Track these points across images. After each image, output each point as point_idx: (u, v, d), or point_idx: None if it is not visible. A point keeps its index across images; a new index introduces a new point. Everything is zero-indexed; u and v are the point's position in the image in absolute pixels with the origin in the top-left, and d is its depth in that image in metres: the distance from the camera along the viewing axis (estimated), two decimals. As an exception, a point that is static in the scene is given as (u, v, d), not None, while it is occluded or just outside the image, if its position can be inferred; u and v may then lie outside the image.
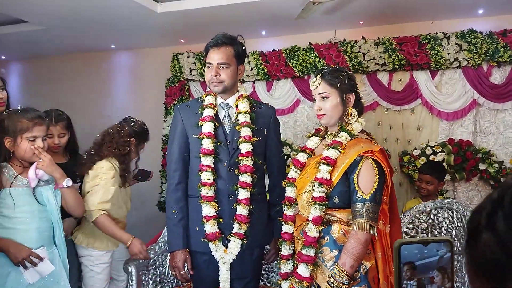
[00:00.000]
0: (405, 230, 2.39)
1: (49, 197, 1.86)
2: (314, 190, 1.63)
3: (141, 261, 2.24)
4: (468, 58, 3.32)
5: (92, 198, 2.17)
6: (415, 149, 3.54)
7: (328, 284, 1.55)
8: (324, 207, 1.61)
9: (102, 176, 2.21)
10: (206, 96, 1.97)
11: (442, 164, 3.31)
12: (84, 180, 2.26)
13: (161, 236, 2.50)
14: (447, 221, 2.35)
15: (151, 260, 2.35)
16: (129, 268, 2.19)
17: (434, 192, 3.00)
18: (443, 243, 0.67)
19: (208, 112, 1.90)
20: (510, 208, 0.55)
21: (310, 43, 3.80)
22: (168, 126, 4.38)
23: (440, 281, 0.67)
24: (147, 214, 4.67)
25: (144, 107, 4.76)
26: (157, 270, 2.40)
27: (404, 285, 0.65)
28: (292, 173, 1.83)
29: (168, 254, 1.96)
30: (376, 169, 1.59)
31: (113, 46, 4.79)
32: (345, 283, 1.52)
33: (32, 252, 1.77)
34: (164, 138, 4.44)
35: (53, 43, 4.55)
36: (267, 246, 2.09)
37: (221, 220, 1.86)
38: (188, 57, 4.29)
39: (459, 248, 2.25)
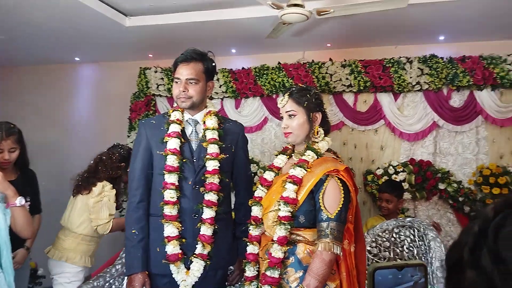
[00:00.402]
0: (368, 248, 2.41)
1: None
2: (280, 209, 1.61)
3: (96, 284, 2.12)
4: (429, 81, 3.46)
5: (103, 213, 2.47)
6: (378, 168, 3.62)
7: (293, 305, 1.51)
8: (289, 226, 1.59)
9: (106, 194, 2.51)
10: (172, 111, 1.92)
11: (400, 182, 3.39)
12: (87, 196, 2.50)
13: (118, 258, 2.39)
14: (408, 239, 2.39)
15: (107, 284, 2.23)
16: (84, 291, 2.06)
17: (395, 209, 3.06)
18: (417, 268, 0.65)
19: (174, 128, 1.85)
20: (495, 244, 0.52)
21: (279, 63, 3.85)
22: (132, 142, 4.26)
23: None
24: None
25: (108, 121, 4.62)
26: (115, 293, 2.28)
27: None
28: (259, 191, 1.81)
29: (126, 277, 1.87)
30: (342, 188, 1.59)
31: (77, 59, 4.65)
32: (310, 304, 1.49)
33: None
34: (128, 154, 4.31)
35: (11, 53, 4.37)
36: (231, 267, 2.03)
37: (184, 240, 1.80)
38: (155, 72, 4.22)
39: (421, 267, 2.29)
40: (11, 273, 1.77)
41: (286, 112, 1.72)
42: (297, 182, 1.62)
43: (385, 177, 3.52)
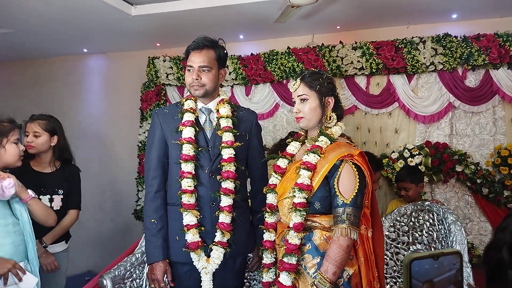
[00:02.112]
0: (387, 233, 2.39)
1: (21, 210, 1.78)
2: (294, 196, 1.59)
3: (116, 273, 2.14)
4: (444, 62, 3.38)
5: None
6: (393, 152, 3.57)
7: (311, 292, 1.51)
8: (305, 213, 1.58)
9: None
10: (185, 100, 1.90)
11: (416, 167, 3.31)
12: None
13: (138, 247, 2.40)
14: (427, 223, 2.36)
15: (128, 272, 2.25)
16: (104, 281, 2.08)
17: (416, 195, 2.96)
18: (453, 256, 0.63)
19: (188, 116, 1.83)
20: None
21: (288, 47, 3.79)
22: (144, 132, 4.26)
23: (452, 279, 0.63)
24: (123, 223, 4.53)
25: (119, 112, 4.63)
26: (134, 282, 2.30)
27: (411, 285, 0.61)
28: (273, 179, 1.80)
29: (146, 266, 1.88)
30: (357, 173, 1.57)
31: (85, 50, 4.64)
32: (328, 291, 1.48)
33: (16, 264, 1.69)
34: (140, 144, 4.33)
35: (21, 47, 4.37)
36: (250, 254, 2.03)
37: (202, 228, 1.80)
38: (164, 61, 4.20)
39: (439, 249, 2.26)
40: (36, 264, 1.82)
41: (298, 96, 1.70)
42: (311, 168, 1.61)
43: (401, 161, 3.47)
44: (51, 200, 2.37)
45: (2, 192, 1.68)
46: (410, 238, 2.33)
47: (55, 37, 4.01)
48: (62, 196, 2.42)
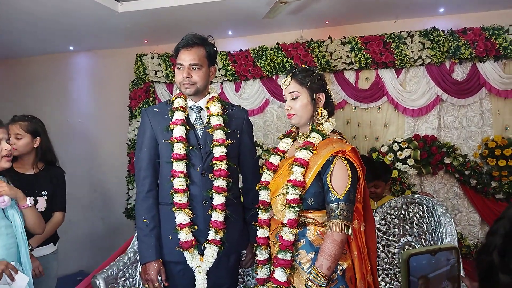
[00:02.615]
0: (378, 226, 2.41)
1: (13, 213, 1.77)
2: (288, 192, 1.60)
3: (109, 273, 2.13)
4: (431, 55, 3.41)
5: None
6: (383, 145, 3.60)
7: (306, 287, 1.52)
8: (298, 209, 1.59)
9: None
10: (175, 98, 1.89)
11: (384, 164, 3.33)
12: None
13: (130, 246, 2.38)
14: (418, 215, 2.39)
15: (120, 272, 2.24)
16: (97, 281, 2.07)
17: (382, 193, 2.96)
18: (450, 251, 0.64)
19: (179, 115, 1.82)
20: None
21: (277, 43, 3.78)
22: (134, 130, 4.23)
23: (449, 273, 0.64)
24: (113, 222, 4.50)
25: (108, 110, 4.58)
26: (127, 282, 2.29)
27: (409, 281, 0.62)
28: (266, 176, 1.81)
29: (139, 265, 1.87)
30: (349, 168, 1.58)
31: (71, 48, 4.57)
32: (323, 285, 1.50)
33: (9, 264, 1.68)
34: (129, 143, 4.29)
35: (5, 45, 4.29)
36: (244, 251, 2.04)
37: (195, 227, 1.79)
38: (152, 58, 4.16)
39: (431, 242, 2.30)
40: (29, 267, 1.80)
41: (289, 93, 1.70)
42: (304, 164, 1.61)
43: (390, 154, 3.50)
44: (35, 202, 2.33)
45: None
46: (401, 231, 2.36)
47: (41, 35, 3.94)
48: (46, 197, 2.37)
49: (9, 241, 1.75)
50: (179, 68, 1.82)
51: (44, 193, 2.38)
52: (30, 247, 2.28)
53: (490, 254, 0.55)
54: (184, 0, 3.21)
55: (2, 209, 1.76)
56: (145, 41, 4.25)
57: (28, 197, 1.82)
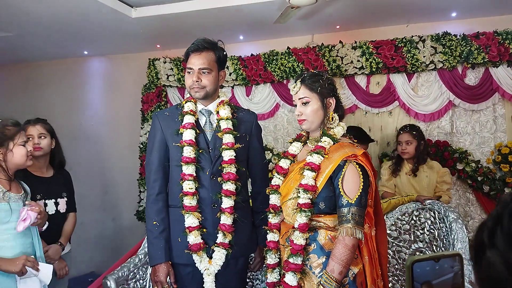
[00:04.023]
0: (388, 232, 2.40)
1: (30, 214, 1.80)
2: (299, 196, 1.60)
3: (120, 274, 2.15)
4: (443, 60, 3.39)
5: None
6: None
7: (317, 291, 1.52)
8: (310, 213, 1.58)
9: None
10: (185, 102, 1.91)
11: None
12: None
13: (141, 248, 2.41)
14: (429, 221, 2.37)
15: (131, 273, 2.26)
16: (108, 282, 2.09)
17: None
18: (453, 258, 0.65)
19: (189, 119, 1.84)
20: (509, 226, 0.57)
21: (288, 48, 3.80)
22: (146, 133, 4.27)
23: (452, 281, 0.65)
24: (125, 224, 4.54)
25: (120, 114, 4.64)
26: (138, 283, 2.31)
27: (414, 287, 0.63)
28: (276, 180, 1.80)
29: (149, 267, 1.89)
30: (360, 172, 1.57)
31: (86, 53, 4.65)
32: (334, 290, 1.49)
33: (28, 257, 1.75)
34: (141, 146, 4.34)
35: (21, 49, 4.38)
36: (252, 254, 2.04)
37: (204, 230, 1.80)
38: (164, 62, 4.21)
39: (442, 249, 2.27)
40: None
41: (299, 99, 1.69)
42: (315, 168, 1.61)
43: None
44: (56, 204, 2.40)
45: (22, 221, 1.74)
46: (412, 237, 2.34)
47: (55, 39, 4.02)
48: (66, 199, 2.44)
49: (26, 240, 1.81)
50: (189, 72, 1.84)
51: (64, 195, 2.44)
52: (62, 246, 2.35)
53: (481, 236, 0.58)
54: (196, 6, 3.25)
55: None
56: (158, 46, 4.31)
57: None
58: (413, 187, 2.97)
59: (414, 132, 3.01)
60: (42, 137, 2.36)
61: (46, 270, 1.79)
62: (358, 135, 2.87)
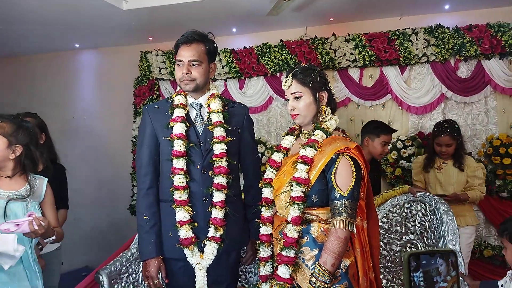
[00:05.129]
0: (380, 224, 2.41)
1: (17, 213, 1.73)
2: (292, 190, 1.60)
3: (113, 269, 2.15)
4: (436, 53, 3.39)
5: None
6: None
7: (310, 284, 1.53)
8: (303, 206, 1.59)
9: None
10: (176, 95, 1.89)
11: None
12: None
13: (133, 242, 2.41)
14: (420, 214, 2.39)
15: (124, 268, 2.26)
16: (100, 277, 2.09)
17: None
18: (448, 253, 0.67)
19: (179, 112, 1.82)
20: None
21: (281, 40, 3.78)
22: (138, 127, 4.25)
23: (446, 270, 0.68)
24: (118, 218, 4.53)
25: (112, 108, 4.61)
26: (130, 277, 2.31)
27: (411, 278, 0.66)
28: (268, 173, 1.81)
29: (141, 262, 1.88)
30: (353, 166, 1.58)
31: (77, 45, 4.59)
32: (327, 282, 1.50)
33: None
34: (134, 140, 4.32)
35: (11, 43, 4.32)
36: (244, 248, 2.04)
37: (195, 224, 1.80)
38: (157, 55, 4.18)
39: (433, 241, 2.29)
40: (36, 269, 1.79)
41: (292, 93, 1.69)
42: (308, 162, 1.61)
43: (394, 152, 3.49)
44: None
45: (16, 227, 1.60)
46: (403, 229, 2.36)
47: (46, 32, 3.97)
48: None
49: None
50: (179, 65, 1.83)
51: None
52: (40, 246, 2.30)
53: None
54: (188, -2, 3.22)
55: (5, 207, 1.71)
56: (150, 38, 4.27)
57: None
58: (439, 182, 2.91)
59: (455, 134, 2.87)
60: (35, 135, 2.31)
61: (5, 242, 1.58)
62: (382, 126, 2.88)
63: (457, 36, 3.33)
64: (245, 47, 3.91)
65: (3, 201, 1.71)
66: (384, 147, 2.81)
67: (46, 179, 1.88)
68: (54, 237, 1.77)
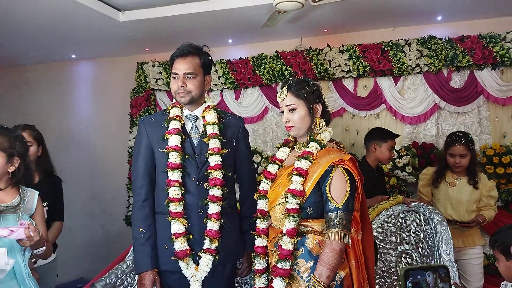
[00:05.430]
0: (375, 234, 2.42)
1: (9, 226, 1.67)
2: (287, 202, 1.61)
3: (108, 281, 2.13)
4: (429, 63, 3.44)
5: None
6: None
7: (305, 295, 1.53)
8: (298, 218, 1.60)
9: None
10: (171, 108, 1.91)
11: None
12: None
13: (129, 254, 2.39)
14: (414, 224, 2.40)
15: (119, 280, 2.25)
16: (96, 289, 2.07)
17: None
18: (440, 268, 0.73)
19: (174, 124, 1.84)
20: None
21: (276, 51, 3.82)
22: (135, 138, 4.25)
23: (433, 281, 0.74)
24: (114, 229, 4.51)
25: (109, 118, 4.61)
26: (126, 290, 2.30)
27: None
28: (264, 185, 1.81)
29: (136, 275, 1.88)
30: (347, 177, 1.59)
31: (73, 56, 4.61)
32: (322, 293, 1.50)
33: None
34: (130, 150, 4.32)
35: (8, 53, 4.33)
36: (240, 259, 2.04)
37: (191, 236, 1.80)
38: (153, 66, 4.20)
39: (427, 251, 2.30)
40: (30, 282, 1.75)
41: (286, 106, 1.71)
42: (303, 174, 1.63)
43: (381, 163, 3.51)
44: None
45: (10, 232, 1.57)
46: (398, 239, 2.37)
47: (43, 43, 3.98)
48: (47, 208, 2.38)
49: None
50: (174, 78, 1.85)
51: (45, 203, 2.38)
52: (34, 260, 2.28)
53: None
54: (184, 10, 3.25)
55: None
56: (146, 49, 4.30)
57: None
58: (449, 199, 2.76)
59: (469, 144, 2.72)
60: (28, 145, 2.31)
61: None
62: (387, 131, 2.96)
63: (449, 47, 3.38)
64: (241, 58, 3.94)
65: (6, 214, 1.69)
66: (390, 151, 2.89)
67: (37, 192, 1.85)
68: (44, 248, 1.73)
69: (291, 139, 1.86)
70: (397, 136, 3.00)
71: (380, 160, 2.93)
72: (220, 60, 3.95)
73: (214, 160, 1.82)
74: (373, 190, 2.75)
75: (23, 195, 1.79)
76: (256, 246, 1.78)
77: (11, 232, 1.56)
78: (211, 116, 1.88)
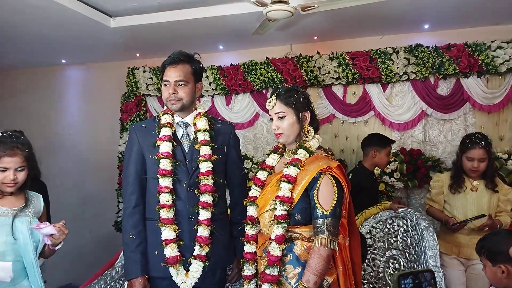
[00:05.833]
0: (364, 239, 2.46)
1: (23, 229, 1.74)
2: (276, 208, 1.63)
3: (97, 287, 2.13)
4: (416, 71, 3.50)
5: None
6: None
7: (293, 301, 1.55)
8: (286, 225, 1.62)
9: None
10: (163, 114, 1.92)
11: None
12: None
13: (118, 260, 2.39)
14: (402, 229, 2.44)
15: (108, 286, 2.24)
16: (85, 296, 2.07)
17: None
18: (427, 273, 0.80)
19: (166, 131, 1.86)
20: None
21: (267, 58, 3.86)
22: (125, 143, 4.24)
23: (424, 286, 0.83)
24: (103, 235, 4.48)
25: (99, 123, 4.60)
26: (115, 296, 2.29)
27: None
28: (253, 191, 1.83)
29: (126, 281, 1.88)
30: (335, 184, 1.62)
31: (64, 61, 4.60)
32: (310, 300, 1.52)
33: None
34: (120, 155, 4.31)
35: (-3, 58, 4.31)
36: (230, 265, 2.06)
37: (181, 242, 1.81)
38: (144, 71, 4.21)
39: (415, 256, 2.34)
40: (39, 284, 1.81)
41: (276, 113, 1.74)
42: (292, 181, 1.65)
43: (377, 168, 3.56)
44: None
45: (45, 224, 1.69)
46: (386, 244, 2.41)
47: (33, 48, 3.97)
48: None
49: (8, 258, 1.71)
50: (166, 85, 1.86)
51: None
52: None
53: None
54: (175, 16, 3.27)
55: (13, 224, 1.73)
56: (137, 54, 4.30)
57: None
58: (470, 205, 2.55)
59: (489, 148, 2.53)
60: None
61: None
62: (384, 137, 3.02)
63: (436, 55, 3.45)
64: (231, 64, 3.97)
65: (10, 218, 1.73)
66: (388, 156, 2.96)
67: (41, 195, 1.91)
68: (62, 242, 1.84)
69: (281, 146, 1.88)
70: (394, 142, 3.07)
71: (378, 165, 2.99)
72: (211, 66, 3.97)
73: (205, 166, 1.83)
74: (371, 194, 2.86)
75: (30, 199, 1.85)
76: (245, 252, 1.80)
77: (46, 225, 1.68)
78: (202, 123, 1.90)
